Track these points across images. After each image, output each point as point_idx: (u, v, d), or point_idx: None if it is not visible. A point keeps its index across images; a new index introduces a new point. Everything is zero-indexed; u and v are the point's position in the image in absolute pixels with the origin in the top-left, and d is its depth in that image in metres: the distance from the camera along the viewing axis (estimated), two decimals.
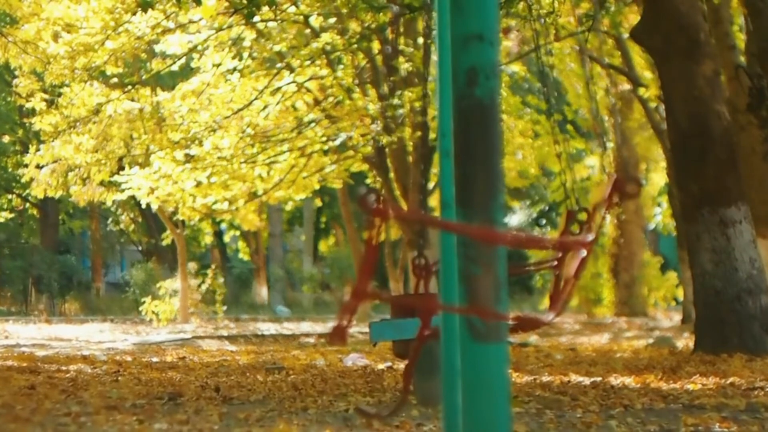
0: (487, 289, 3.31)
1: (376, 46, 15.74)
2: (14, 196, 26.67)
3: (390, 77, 16.27)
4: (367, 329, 7.87)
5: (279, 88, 15.14)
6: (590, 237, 3.27)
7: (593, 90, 3.22)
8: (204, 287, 26.19)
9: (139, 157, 16.21)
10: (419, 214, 3.56)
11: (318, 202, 31.49)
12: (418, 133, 16.12)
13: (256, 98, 15.28)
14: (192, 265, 26.43)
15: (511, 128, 17.61)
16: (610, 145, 20.11)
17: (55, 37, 12.81)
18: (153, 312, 23.52)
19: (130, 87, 14.36)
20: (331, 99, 16.29)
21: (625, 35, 14.00)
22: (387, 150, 17.73)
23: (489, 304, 3.29)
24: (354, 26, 13.68)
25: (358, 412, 3.94)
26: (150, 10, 12.46)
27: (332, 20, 13.21)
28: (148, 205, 17.84)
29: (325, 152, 17.98)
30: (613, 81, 18.60)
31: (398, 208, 3.31)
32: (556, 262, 4.35)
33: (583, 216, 4.37)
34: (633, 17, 12.18)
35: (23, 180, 16.29)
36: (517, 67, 17.66)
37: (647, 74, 14.70)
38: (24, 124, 16.43)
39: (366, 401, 7.32)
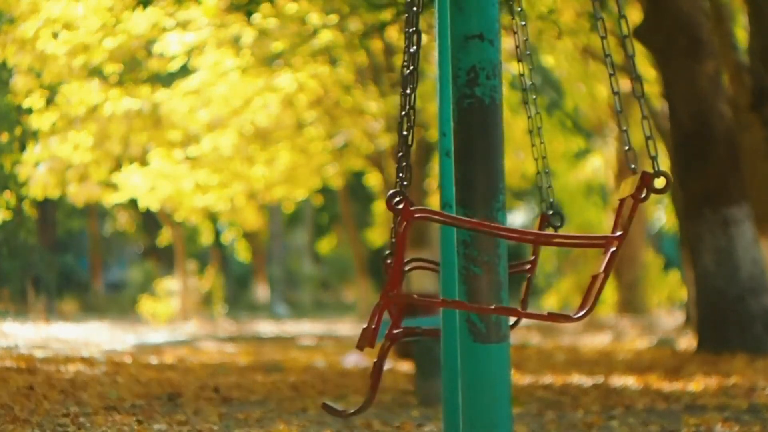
0: (488, 290, 3.28)
1: (377, 44, 15.72)
2: (12, 195, 26.64)
3: (390, 75, 16.26)
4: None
5: (278, 86, 15.12)
6: (619, 232, 3.23)
7: (615, 85, 3.22)
8: (203, 287, 26.17)
9: (137, 157, 16.18)
10: (446, 213, 3.54)
11: (318, 202, 31.51)
12: (419, 133, 16.12)
13: (255, 96, 15.25)
14: (191, 265, 26.41)
15: (512, 127, 17.60)
16: (617, 142, 20.11)
17: (54, 35, 12.77)
18: (151, 312, 23.50)
19: (129, 83, 14.33)
20: (331, 96, 16.26)
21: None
22: (387, 149, 17.72)
23: (489, 304, 3.26)
24: (355, 24, 13.66)
25: (324, 408, 3.91)
26: (149, 7, 12.43)
27: (332, 18, 13.18)
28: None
29: (328, 151, 17.97)
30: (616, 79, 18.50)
31: (425, 208, 3.34)
32: (529, 265, 4.33)
33: (556, 220, 4.34)
34: (636, 15, 12.14)
35: (20, 180, 16.28)
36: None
37: (649, 74, 14.68)
38: (20, 122, 16.41)
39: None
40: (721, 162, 10.75)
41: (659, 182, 3.16)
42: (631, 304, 22.83)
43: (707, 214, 10.69)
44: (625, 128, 3.45)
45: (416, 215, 3.16)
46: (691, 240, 11.01)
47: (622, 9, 3.36)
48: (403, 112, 3.34)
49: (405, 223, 3.13)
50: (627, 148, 3.41)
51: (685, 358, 10.67)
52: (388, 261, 4.44)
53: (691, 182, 10.85)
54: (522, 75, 4.46)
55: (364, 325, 3.22)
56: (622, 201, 3.35)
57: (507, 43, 11.53)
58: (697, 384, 8.37)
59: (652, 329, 17.51)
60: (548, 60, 15.88)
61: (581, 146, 20.56)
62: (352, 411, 3.99)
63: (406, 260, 4.52)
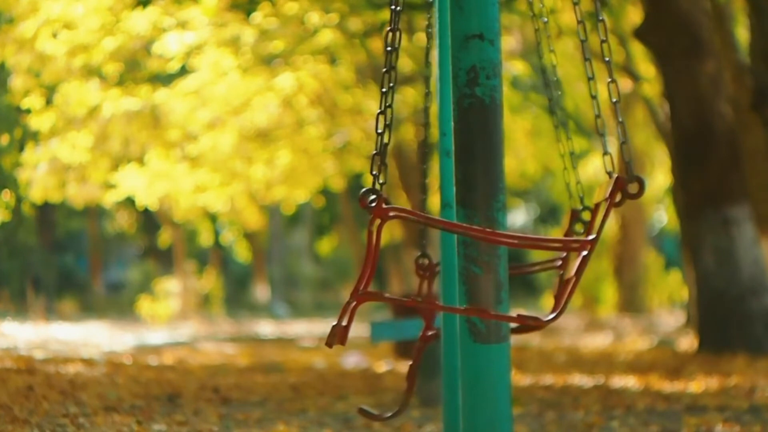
0: (488, 290, 3.27)
1: (377, 43, 15.70)
2: (11, 196, 26.64)
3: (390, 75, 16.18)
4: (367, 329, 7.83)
5: (278, 85, 15.10)
6: (591, 236, 3.23)
7: (594, 89, 3.21)
8: (203, 288, 26.15)
9: (136, 157, 16.16)
10: (421, 213, 3.53)
11: (319, 204, 31.50)
12: (419, 132, 16.10)
13: (254, 95, 15.23)
14: (191, 265, 26.39)
15: (512, 127, 17.60)
16: (610, 144, 20.05)
17: (53, 35, 12.75)
18: (150, 313, 23.48)
19: (129, 82, 14.31)
20: (331, 95, 16.23)
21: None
22: (388, 149, 17.66)
23: (490, 304, 3.25)
24: (356, 24, 13.65)
25: (361, 413, 3.91)
26: (149, 6, 12.41)
27: (333, 17, 13.17)
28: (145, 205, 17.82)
29: (328, 151, 17.95)
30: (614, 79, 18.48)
31: (399, 207, 3.30)
32: (560, 262, 4.32)
33: (587, 215, 4.34)
34: (636, 15, 12.13)
35: (20, 182, 16.27)
36: (519, 65, 17.64)
37: (649, 72, 14.66)
38: (19, 123, 16.39)
39: (366, 402, 7.28)
40: (721, 162, 10.74)
41: (633, 187, 3.17)
42: (632, 304, 22.81)
43: (708, 214, 10.67)
44: (602, 134, 3.47)
45: (390, 214, 3.15)
46: (692, 240, 11.00)
47: (601, 13, 3.36)
48: (380, 111, 3.32)
49: (379, 221, 3.13)
50: (604, 152, 3.43)
51: (686, 359, 10.66)
52: (419, 262, 4.47)
53: (691, 182, 10.84)
54: (544, 72, 4.46)
55: (337, 323, 3.19)
56: (597, 205, 3.36)
57: (507, 43, 11.51)
58: (697, 384, 8.36)
59: (652, 329, 17.50)
60: (551, 59, 15.85)
61: (583, 147, 20.53)
62: (389, 415, 3.98)
63: (436, 261, 4.52)
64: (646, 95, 14.30)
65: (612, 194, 3.16)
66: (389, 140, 3.31)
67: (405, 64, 14.70)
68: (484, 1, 3.32)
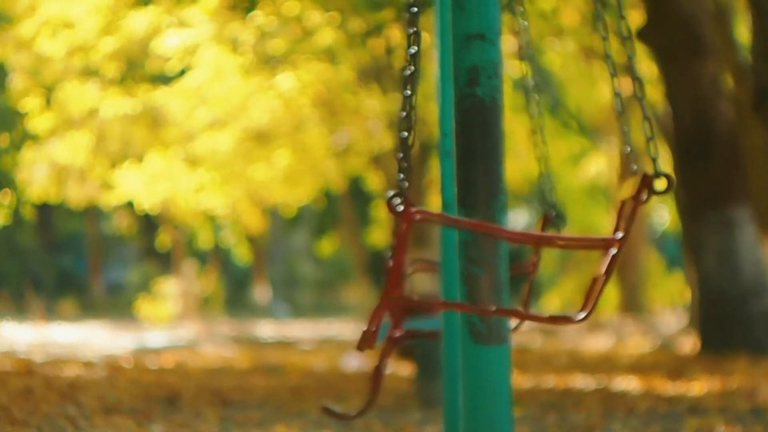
0: (489, 291, 3.25)
1: (378, 43, 15.68)
2: (11, 197, 26.65)
3: (392, 74, 16.22)
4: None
5: (278, 85, 15.08)
6: (619, 235, 3.20)
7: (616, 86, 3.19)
8: (202, 288, 26.14)
9: (135, 157, 16.14)
10: (446, 216, 3.53)
11: (320, 206, 31.51)
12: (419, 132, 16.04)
13: (254, 95, 15.21)
14: (190, 266, 26.37)
15: (513, 127, 17.57)
16: (619, 142, 20.07)
17: (52, 35, 12.74)
18: (150, 314, 23.47)
19: (129, 81, 14.29)
20: (333, 95, 16.22)
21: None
22: (389, 150, 17.67)
23: (490, 305, 3.22)
24: (357, 23, 13.63)
25: (325, 412, 3.89)
26: (150, 5, 12.41)
27: (335, 16, 13.15)
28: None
29: (330, 153, 17.93)
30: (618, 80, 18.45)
31: (425, 210, 3.29)
32: (532, 267, 4.31)
33: (560, 222, 4.32)
34: (638, 15, 12.11)
35: (18, 183, 16.26)
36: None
37: (652, 73, 14.66)
38: (18, 124, 16.38)
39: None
40: (723, 162, 10.71)
41: (660, 183, 3.13)
42: (634, 305, 22.79)
43: (709, 214, 10.65)
44: (626, 129, 3.42)
45: (417, 217, 3.13)
46: (693, 240, 10.97)
47: (624, 8, 3.32)
48: (404, 114, 3.30)
49: (406, 224, 3.11)
50: (628, 150, 3.38)
51: (688, 360, 10.64)
52: (389, 263, 4.42)
53: (693, 182, 10.81)
54: (525, 76, 4.42)
55: (364, 327, 3.20)
56: (623, 203, 3.32)
57: (508, 42, 11.50)
58: (699, 386, 8.34)
59: (654, 331, 17.48)
60: (551, 60, 15.87)
61: (585, 147, 20.54)
62: (353, 414, 3.96)
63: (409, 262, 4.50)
64: (649, 95, 14.28)
65: (639, 191, 3.12)
66: (413, 143, 3.30)
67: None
68: (485, 1, 3.30)
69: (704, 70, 10.75)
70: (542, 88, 17.72)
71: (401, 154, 3.27)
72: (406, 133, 3.29)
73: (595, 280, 3.23)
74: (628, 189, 3.28)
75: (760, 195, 11.39)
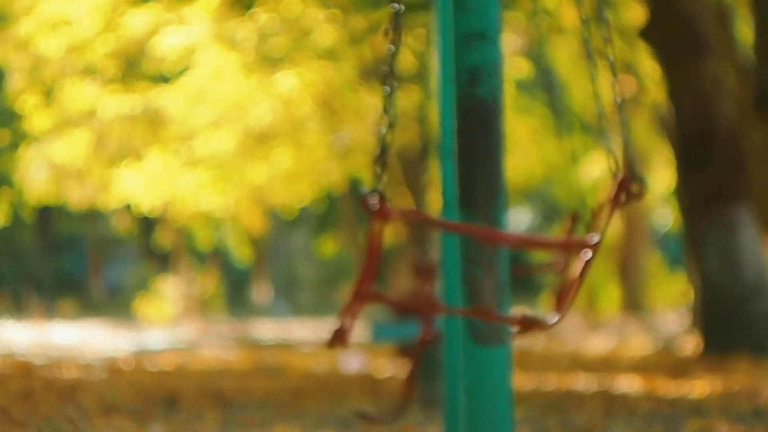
0: (489, 291, 3.22)
1: (379, 42, 15.65)
2: (9, 197, 26.65)
3: (393, 74, 16.13)
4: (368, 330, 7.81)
5: (278, 84, 15.06)
6: (595, 238, 3.18)
7: (596, 88, 3.15)
8: (202, 288, 26.12)
9: (134, 158, 16.11)
10: (422, 214, 3.50)
11: (321, 208, 31.49)
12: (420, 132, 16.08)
13: (254, 94, 15.19)
14: (190, 266, 26.36)
15: (514, 127, 17.57)
16: (614, 144, 19.95)
17: (51, 34, 12.71)
18: (149, 314, 23.45)
19: (128, 79, 14.26)
20: (333, 93, 16.20)
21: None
22: (390, 149, 17.59)
23: (491, 305, 3.20)
24: (359, 21, 13.62)
25: (358, 416, 3.85)
26: (150, 2, 12.39)
27: (336, 14, 13.13)
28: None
29: (331, 153, 17.90)
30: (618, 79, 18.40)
31: (401, 208, 3.26)
32: (562, 264, 4.27)
33: (588, 217, 4.29)
34: (640, 14, 12.09)
35: (17, 184, 16.25)
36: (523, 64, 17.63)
37: (654, 72, 14.64)
38: (16, 124, 16.36)
39: (367, 406, 7.24)
40: (725, 162, 10.69)
41: (635, 187, 3.12)
42: (636, 305, 22.78)
43: (711, 214, 10.62)
44: (608, 133, 3.42)
45: (392, 215, 3.10)
46: (695, 241, 10.95)
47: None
48: (384, 111, 3.28)
49: (380, 223, 3.09)
50: (610, 152, 3.37)
51: (689, 360, 10.61)
52: (418, 263, 4.41)
53: (695, 182, 10.79)
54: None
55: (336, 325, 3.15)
56: (600, 206, 3.31)
57: (512, 42, 11.48)
58: (701, 387, 8.31)
59: (656, 331, 17.46)
60: (555, 59, 15.85)
61: (588, 146, 20.51)
62: (389, 418, 3.94)
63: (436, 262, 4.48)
64: (650, 95, 14.26)
65: (616, 195, 3.11)
66: (392, 141, 3.27)
67: (409, 63, 14.68)
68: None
69: (706, 69, 10.72)
70: (545, 88, 17.73)
71: (379, 152, 3.24)
72: (384, 130, 3.27)
73: (570, 283, 3.21)
74: (604, 193, 3.28)
75: (762, 195, 11.37)
